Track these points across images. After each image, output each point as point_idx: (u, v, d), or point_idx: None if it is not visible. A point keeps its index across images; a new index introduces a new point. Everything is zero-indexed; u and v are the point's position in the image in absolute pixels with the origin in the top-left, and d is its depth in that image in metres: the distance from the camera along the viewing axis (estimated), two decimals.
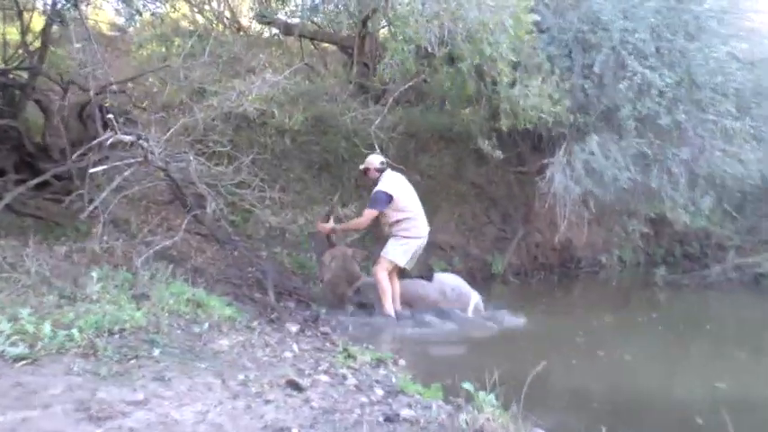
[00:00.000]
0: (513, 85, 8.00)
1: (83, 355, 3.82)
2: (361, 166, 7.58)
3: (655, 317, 8.38)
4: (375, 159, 7.49)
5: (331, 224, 7.59)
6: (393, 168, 7.62)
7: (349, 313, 7.29)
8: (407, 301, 7.46)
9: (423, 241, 7.43)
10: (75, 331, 3.98)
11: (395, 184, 7.36)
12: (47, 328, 3.91)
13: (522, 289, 10.34)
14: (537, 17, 8.02)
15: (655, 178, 9.18)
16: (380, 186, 7.29)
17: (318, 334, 6.22)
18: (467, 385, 3.79)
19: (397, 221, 7.30)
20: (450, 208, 9.94)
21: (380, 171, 7.43)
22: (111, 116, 5.99)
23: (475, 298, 7.56)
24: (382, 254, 7.34)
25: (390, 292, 7.27)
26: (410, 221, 7.32)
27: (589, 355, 6.36)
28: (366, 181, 7.86)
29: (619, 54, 8.61)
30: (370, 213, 7.30)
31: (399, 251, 7.30)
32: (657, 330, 7.77)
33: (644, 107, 8.60)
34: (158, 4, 9.22)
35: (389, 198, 7.21)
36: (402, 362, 5.50)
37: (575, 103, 8.83)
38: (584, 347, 6.64)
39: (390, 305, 7.21)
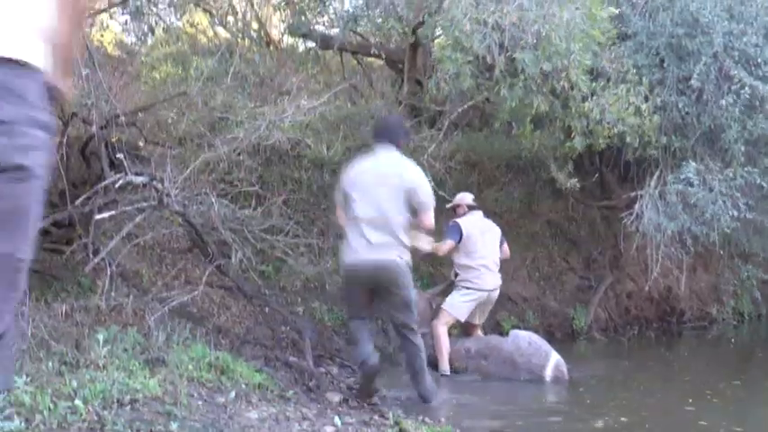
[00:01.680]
0: (589, 97, 8.00)
1: (88, 430, 3.89)
2: (449, 205, 8.32)
3: None
4: (467, 197, 8.35)
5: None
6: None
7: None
8: (482, 354, 7.87)
9: (490, 295, 8.09)
10: (78, 402, 4.06)
11: (474, 224, 8.07)
12: (46, 399, 4.00)
13: (611, 348, 10.21)
14: (615, 10, 8.01)
15: None
16: (458, 219, 8.07)
17: (365, 404, 6.26)
18: None
19: (463, 267, 8.01)
20: (521, 252, 9.92)
21: (471, 209, 8.21)
22: (120, 155, 6.15)
23: (554, 357, 7.72)
24: (443, 306, 7.97)
25: (449, 350, 7.83)
26: (475, 272, 7.99)
27: None
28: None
29: (723, 63, 8.53)
30: (449, 244, 7.99)
31: (462, 304, 7.98)
32: None
33: (756, 127, 8.50)
34: (173, 18, 9.45)
35: (460, 234, 7.94)
36: None
37: (669, 122, 8.79)
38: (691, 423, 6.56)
39: (447, 364, 7.78)
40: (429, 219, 6.40)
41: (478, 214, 8.29)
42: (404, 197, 6.27)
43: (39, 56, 2.44)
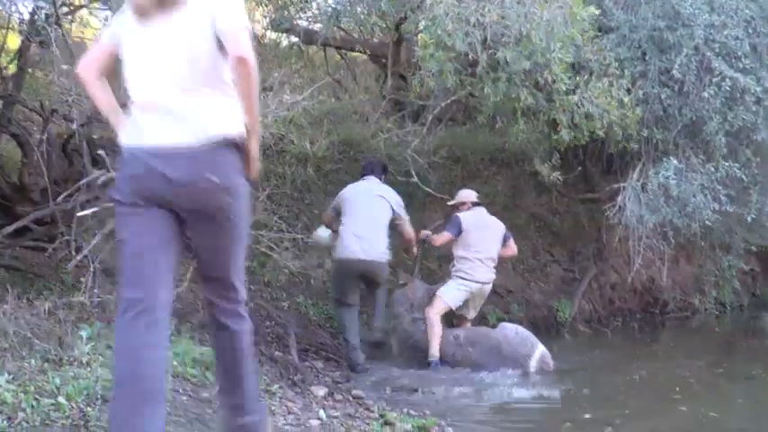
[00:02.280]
0: (572, 91, 8.02)
1: (72, 427, 3.88)
2: (451, 202, 8.53)
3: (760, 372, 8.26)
4: (472, 195, 8.49)
5: (429, 232, 8.52)
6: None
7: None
8: (470, 342, 8.00)
9: (482, 288, 8.27)
10: (62, 400, 4.05)
11: (476, 219, 8.24)
12: (29, 396, 3.98)
13: (595, 340, 10.27)
14: (596, 11, 8.02)
15: (754, 205, 9.07)
16: (460, 213, 8.25)
17: (350, 398, 6.27)
18: None
19: (460, 258, 8.16)
20: None
21: (475, 206, 8.40)
22: (101, 151, 6.10)
23: (540, 348, 7.87)
24: (438, 293, 8.12)
25: (440, 337, 7.94)
26: (470, 263, 8.14)
27: (675, 424, 6.33)
28: None
29: (704, 55, 8.55)
30: (445, 236, 8.24)
31: (455, 292, 8.14)
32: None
33: (736, 119, 8.51)
34: None
35: (459, 228, 8.11)
36: (449, 429, 5.52)
37: (651, 115, 8.81)
38: (671, 410, 6.60)
39: (437, 350, 7.89)
40: (409, 229, 8.05)
41: (481, 211, 8.40)
42: (389, 212, 7.79)
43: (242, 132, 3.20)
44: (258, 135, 3.32)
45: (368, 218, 7.64)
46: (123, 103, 3.58)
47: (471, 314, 8.45)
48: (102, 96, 3.56)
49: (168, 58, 3.26)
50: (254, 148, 3.32)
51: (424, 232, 8.47)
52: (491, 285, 8.41)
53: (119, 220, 3.46)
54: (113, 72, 3.59)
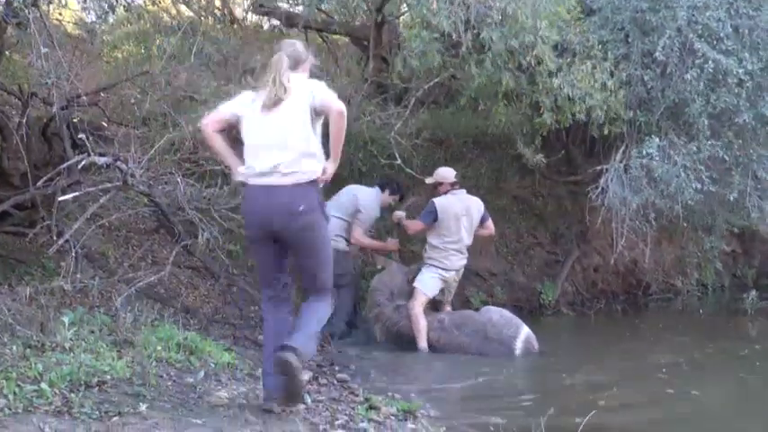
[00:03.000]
0: (555, 73, 8.00)
1: (55, 413, 3.86)
2: (430, 180, 8.40)
3: (746, 353, 8.30)
4: (449, 173, 8.34)
5: (403, 215, 8.50)
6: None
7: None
8: (455, 325, 7.98)
9: (457, 274, 8.31)
10: (44, 386, 4.03)
11: (452, 206, 8.11)
12: (11, 383, 3.96)
13: (578, 322, 10.32)
14: None
15: (736, 186, 9.09)
16: (437, 199, 8.11)
17: (335, 381, 6.26)
18: None
19: (432, 246, 8.15)
20: None
21: (453, 186, 8.26)
22: (81, 135, 6.06)
23: (525, 330, 7.87)
24: (416, 285, 8.13)
25: (426, 330, 7.93)
26: (443, 253, 8.14)
27: (656, 400, 6.35)
28: (437, 196, 8.34)
29: (686, 37, 8.53)
30: (417, 224, 8.25)
31: (432, 283, 8.16)
32: (758, 368, 7.66)
33: (719, 101, 8.51)
34: None
35: (435, 217, 8.02)
36: (434, 412, 5.52)
37: (634, 97, 8.81)
38: (652, 389, 6.63)
39: (425, 342, 7.90)
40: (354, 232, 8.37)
41: (460, 194, 8.29)
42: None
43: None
44: (338, 160, 4.82)
45: None
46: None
47: (449, 298, 8.48)
48: (218, 144, 4.94)
49: (279, 133, 4.69)
50: (332, 168, 4.84)
51: (398, 213, 8.46)
52: (462, 270, 8.44)
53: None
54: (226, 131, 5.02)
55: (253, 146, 4.77)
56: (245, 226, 5.13)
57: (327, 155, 4.81)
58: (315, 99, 4.70)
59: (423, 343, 7.88)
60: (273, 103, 4.68)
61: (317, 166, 4.75)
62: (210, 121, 4.92)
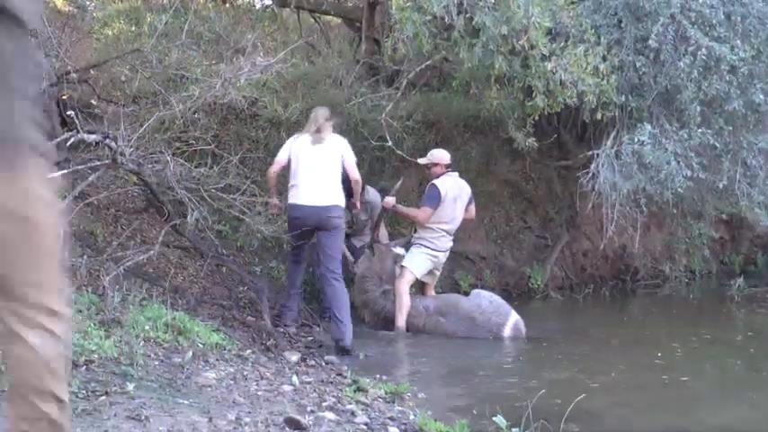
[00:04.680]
0: (548, 57, 7.99)
1: None
2: (424, 161, 8.43)
3: (733, 338, 8.34)
4: (445, 155, 8.40)
5: (394, 200, 8.37)
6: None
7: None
8: (440, 312, 8.06)
9: (445, 255, 8.37)
10: None
11: (451, 188, 8.22)
12: None
13: (566, 306, 10.36)
14: None
15: (726, 173, 9.11)
16: (437, 181, 8.16)
17: (323, 363, 6.28)
18: (498, 420, 3.82)
19: (427, 229, 8.18)
20: (478, 211, 9.86)
21: (448, 168, 8.32)
22: (71, 112, 6.03)
23: (514, 316, 7.94)
24: (404, 264, 8.17)
25: (408, 308, 8.02)
26: (434, 233, 8.21)
27: (643, 385, 6.39)
28: (429, 178, 8.46)
29: (680, 24, 8.52)
30: (427, 211, 8.17)
31: (422, 262, 8.22)
32: (744, 354, 7.73)
33: (711, 88, 8.50)
34: None
35: (439, 198, 8.08)
36: (421, 394, 5.54)
37: (626, 83, 8.79)
38: (640, 374, 6.67)
39: (403, 322, 7.99)
40: None
41: (454, 176, 8.39)
42: None
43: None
44: (359, 194, 7.59)
45: None
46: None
47: (434, 280, 8.54)
48: (275, 182, 7.55)
49: (324, 165, 7.19)
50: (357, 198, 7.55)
51: (389, 199, 8.38)
52: (449, 251, 8.51)
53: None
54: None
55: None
56: None
57: None
58: (344, 156, 7.35)
59: (401, 322, 7.96)
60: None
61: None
62: (276, 169, 7.49)
